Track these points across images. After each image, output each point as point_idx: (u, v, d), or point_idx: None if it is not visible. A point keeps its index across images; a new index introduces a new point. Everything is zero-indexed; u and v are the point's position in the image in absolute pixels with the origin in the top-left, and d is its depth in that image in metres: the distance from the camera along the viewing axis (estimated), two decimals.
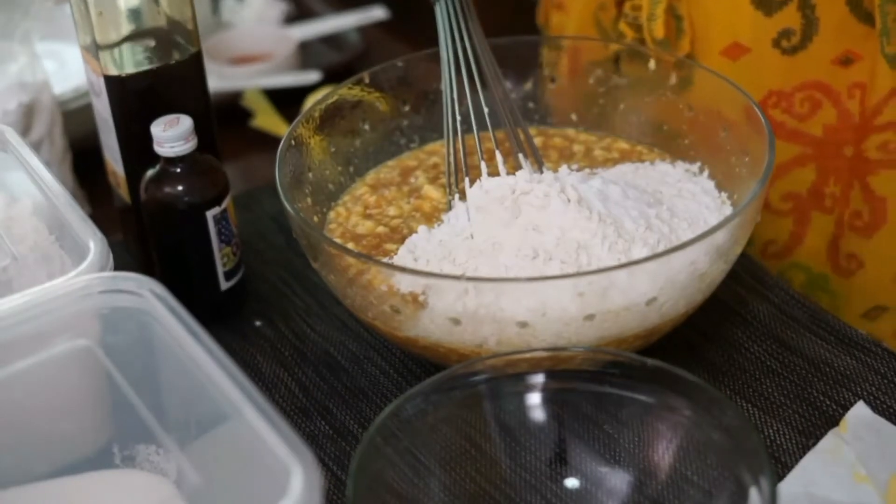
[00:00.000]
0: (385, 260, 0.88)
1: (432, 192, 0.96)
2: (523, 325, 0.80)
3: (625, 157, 0.99)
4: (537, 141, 1.01)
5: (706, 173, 0.95)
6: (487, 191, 0.87)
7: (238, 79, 1.29)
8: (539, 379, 0.78)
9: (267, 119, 1.27)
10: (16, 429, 0.73)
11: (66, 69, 1.20)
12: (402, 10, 1.42)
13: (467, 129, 0.93)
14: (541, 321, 0.79)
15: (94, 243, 0.75)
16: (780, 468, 0.80)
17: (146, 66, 0.93)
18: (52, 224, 0.83)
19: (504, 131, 0.95)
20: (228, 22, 1.40)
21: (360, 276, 0.82)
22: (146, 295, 0.70)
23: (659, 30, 1.03)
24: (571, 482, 0.77)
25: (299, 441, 0.60)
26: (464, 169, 0.92)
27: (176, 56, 0.94)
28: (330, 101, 0.97)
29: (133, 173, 0.96)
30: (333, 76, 1.27)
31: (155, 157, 0.92)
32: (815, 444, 0.81)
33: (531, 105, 1.04)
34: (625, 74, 1.01)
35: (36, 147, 1.07)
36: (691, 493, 0.74)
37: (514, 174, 0.88)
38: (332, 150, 0.98)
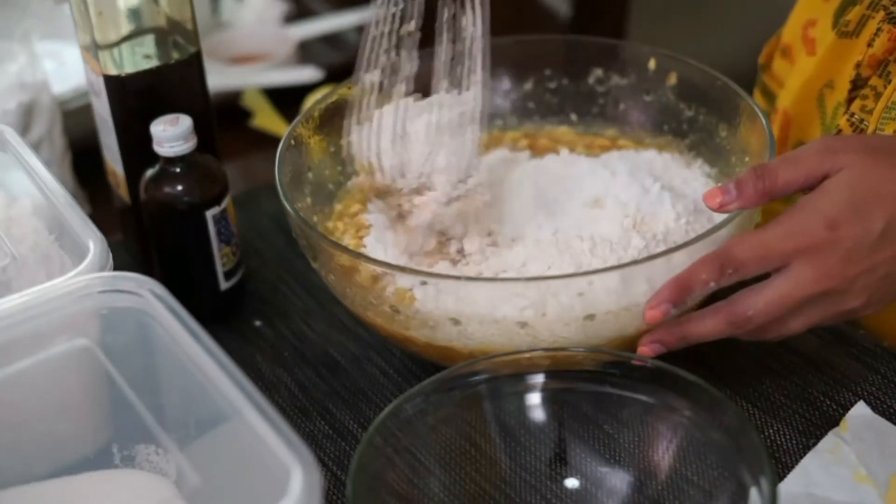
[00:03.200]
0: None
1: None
2: (523, 325, 0.80)
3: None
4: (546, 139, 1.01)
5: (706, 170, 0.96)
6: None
7: (238, 78, 1.29)
8: (539, 379, 0.77)
9: (267, 119, 1.27)
10: (15, 429, 0.73)
11: (66, 69, 1.20)
12: None
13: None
14: (541, 321, 0.79)
15: (93, 243, 0.74)
16: (781, 468, 0.80)
17: (146, 66, 0.93)
18: (52, 224, 0.83)
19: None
20: (228, 21, 1.40)
21: (362, 277, 0.82)
22: (146, 295, 0.70)
23: None
24: (571, 482, 0.77)
25: (299, 441, 0.60)
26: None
27: (175, 56, 0.94)
28: (330, 100, 0.97)
29: (132, 173, 0.96)
30: (333, 76, 1.27)
31: (154, 157, 0.92)
32: (815, 444, 0.81)
33: (531, 105, 1.04)
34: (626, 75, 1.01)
35: (35, 147, 1.07)
36: (691, 494, 0.74)
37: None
38: (332, 149, 0.98)
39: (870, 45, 0.92)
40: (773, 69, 1.08)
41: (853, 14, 0.95)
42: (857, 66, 0.93)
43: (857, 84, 0.93)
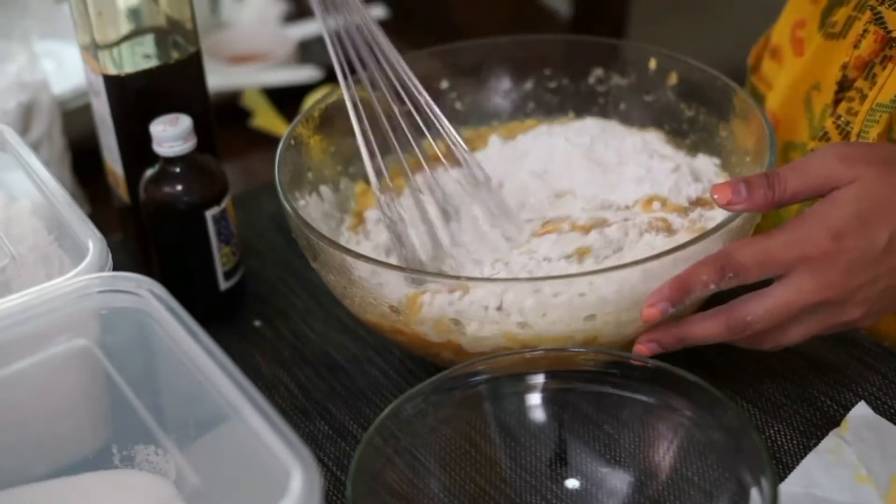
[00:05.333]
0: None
1: None
2: (523, 325, 0.80)
3: None
4: None
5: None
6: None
7: (237, 78, 1.29)
8: (539, 379, 0.77)
9: (266, 119, 1.26)
10: (15, 429, 0.73)
11: (66, 69, 1.20)
12: (401, 9, 1.42)
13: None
14: (541, 321, 0.79)
15: (92, 243, 0.74)
16: (781, 469, 0.80)
17: (145, 66, 0.93)
18: (51, 224, 0.83)
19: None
20: (227, 21, 1.40)
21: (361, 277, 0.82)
22: (145, 295, 0.70)
23: None
24: (572, 483, 0.77)
25: (299, 442, 0.60)
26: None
27: (175, 55, 0.94)
28: (329, 100, 0.97)
29: (132, 173, 0.95)
30: (333, 76, 1.26)
31: (154, 157, 0.92)
32: (816, 444, 0.80)
33: (531, 105, 1.04)
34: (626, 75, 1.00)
35: (35, 147, 1.07)
36: (692, 494, 0.73)
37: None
38: (332, 149, 0.98)
39: (856, 46, 0.91)
40: (761, 70, 1.07)
41: (840, 15, 0.95)
42: (844, 67, 0.93)
43: (844, 86, 0.93)
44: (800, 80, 0.99)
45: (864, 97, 0.90)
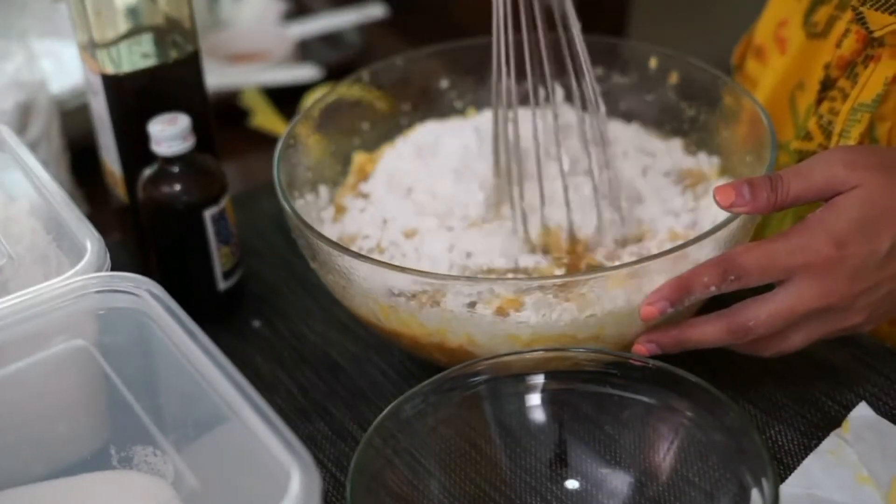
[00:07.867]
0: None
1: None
2: (523, 324, 0.79)
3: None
4: None
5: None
6: None
7: (236, 77, 1.28)
8: (539, 380, 0.77)
9: (265, 118, 1.26)
10: (12, 430, 0.73)
11: (64, 68, 1.20)
12: (401, 8, 1.42)
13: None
14: (541, 321, 0.79)
15: (91, 243, 0.74)
16: (782, 469, 0.80)
17: (144, 65, 0.93)
18: (49, 224, 0.83)
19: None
20: (226, 20, 1.39)
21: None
22: (143, 295, 0.70)
23: None
24: (572, 484, 0.77)
25: (298, 442, 0.60)
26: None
27: (174, 55, 0.93)
28: (329, 99, 0.97)
29: (130, 173, 0.95)
30: (332, 74, 1.27)
31: (152, 157, 0.92)
32: (816, 445, 0.80)
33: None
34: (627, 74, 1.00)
35: (33, 146, 1.07)
36: (693, 495, 0.73)
37: None
38: (331, 149, 0.97)
39: (838, 46, 0.91)
40: (745, 70, 1.07)
41: (821, 14, 0.94)
42: (826, 67, 0.92)
43: (826, 85, 0.93)
44: (784, 80, 0.99)
45: (846, 96, 0.90)
